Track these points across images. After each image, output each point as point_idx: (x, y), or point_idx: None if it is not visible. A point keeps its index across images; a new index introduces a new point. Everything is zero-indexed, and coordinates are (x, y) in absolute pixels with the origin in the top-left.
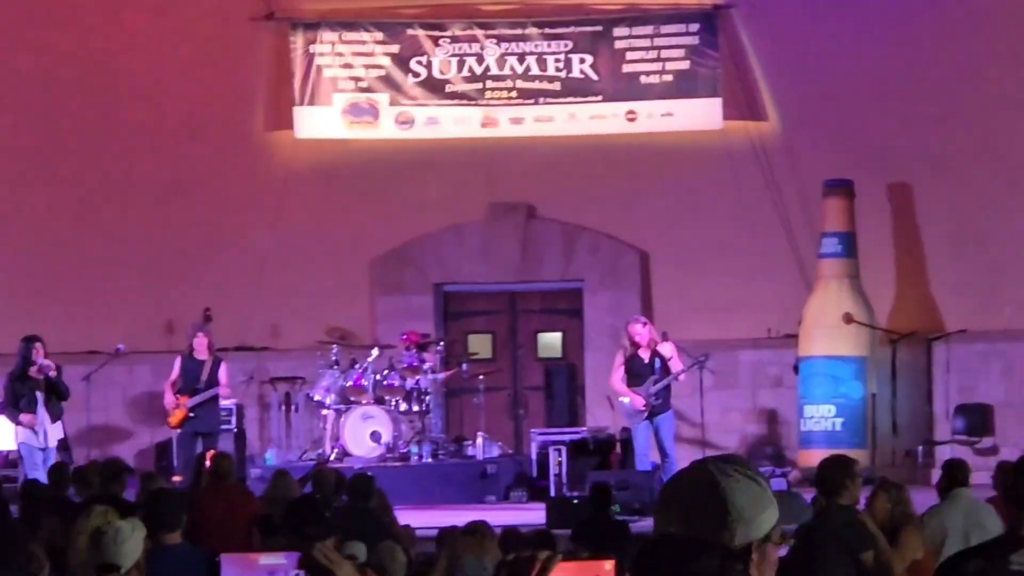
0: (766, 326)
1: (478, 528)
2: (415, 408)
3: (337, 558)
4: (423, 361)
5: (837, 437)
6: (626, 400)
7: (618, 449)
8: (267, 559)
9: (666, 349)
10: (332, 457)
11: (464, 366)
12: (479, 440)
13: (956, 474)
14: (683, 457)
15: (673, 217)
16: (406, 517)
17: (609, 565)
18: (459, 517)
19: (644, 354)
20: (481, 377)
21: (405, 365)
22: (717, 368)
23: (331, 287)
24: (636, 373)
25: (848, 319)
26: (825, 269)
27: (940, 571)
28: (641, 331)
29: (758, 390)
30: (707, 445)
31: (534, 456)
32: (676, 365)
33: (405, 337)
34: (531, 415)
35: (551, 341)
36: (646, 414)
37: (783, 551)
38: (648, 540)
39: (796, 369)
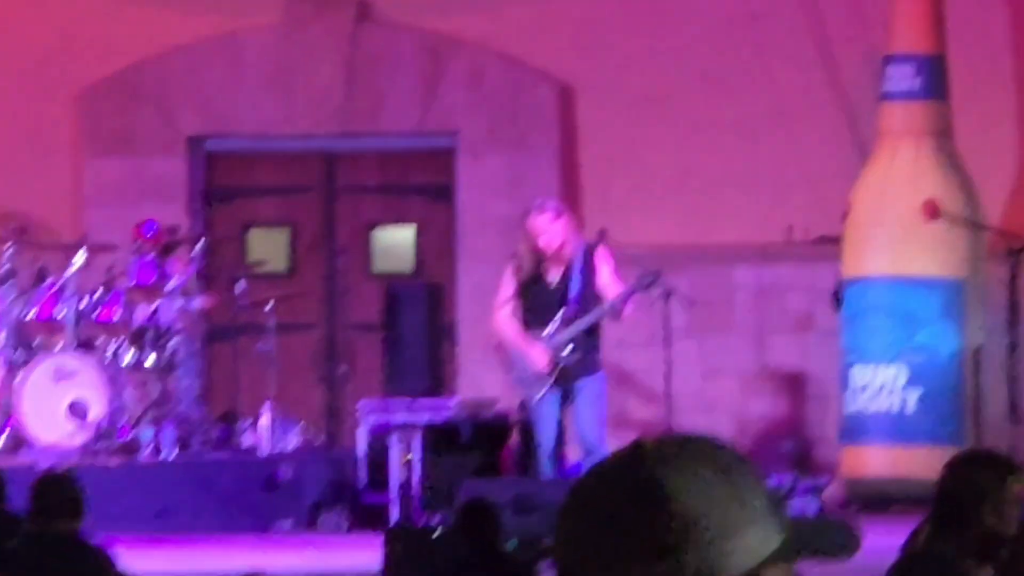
0: (784, 222)
1: None
2: (150, 359)
3: None
4: (166, 275)
5: (911, 424)
6: (519, 353)
7: (515, 439)
8: None
9: (602, 267)
10: None
11: (240, 284)
12: (264, 419)
13: None
14: None
15: (617, 25)
16: (129, 556)
17: None
18: (227, 560)
19: (554, 271)
20: (270, 305)
21: (134, 282)
22: (695, 296)
23: (2, 142)
24: (538, 305)
25: (932, 210)
26: (892, 120)
27: None
28: (549, 227)
29: (769, 337)
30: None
31: (363, 449)
32: (611, 290)
33: (142, 231)
34: (359, 375)
35: (397, 242)
36: (552, 378)
37: None
38: None
39: (837, 300)
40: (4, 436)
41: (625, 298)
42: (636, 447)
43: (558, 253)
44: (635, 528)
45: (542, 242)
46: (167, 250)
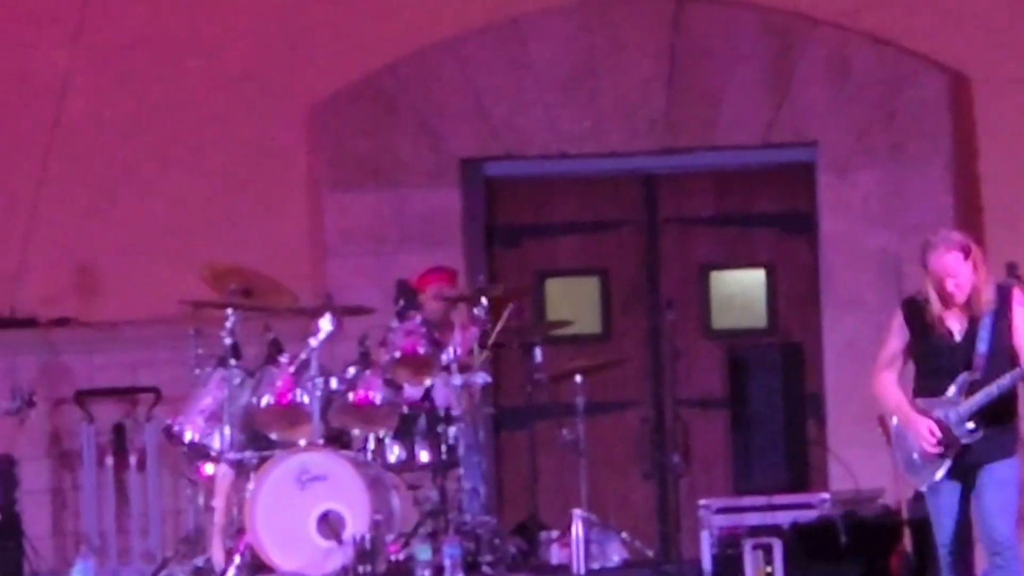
0: None
1: None
2: (423, 455)
3: None
4: (439, 344)
5: None
6: (905, 429)
7: (906, 542)
8: None
9: (1018, 315)
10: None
11: (537, 353)
12: (576, 527)
13: None
14: None
15: None
16: None
17: None
18: None
19: (956, 321)
20: (578, 379)
21: (399, 354)
22: None
23: (213, 174)
24: (934, 366)
25: None
26: None
27: None
28: (955, 265)
29: None
30: None
31: (708, 563)
32: None
33: (433, 279)
34: (698, 465)
35: (741, 289)
36: (947, 460)
37: None
38: None
39: None
40: (237, 561)
41: None
42: None
43: (968, 300)
44: None
45: (951, 286)
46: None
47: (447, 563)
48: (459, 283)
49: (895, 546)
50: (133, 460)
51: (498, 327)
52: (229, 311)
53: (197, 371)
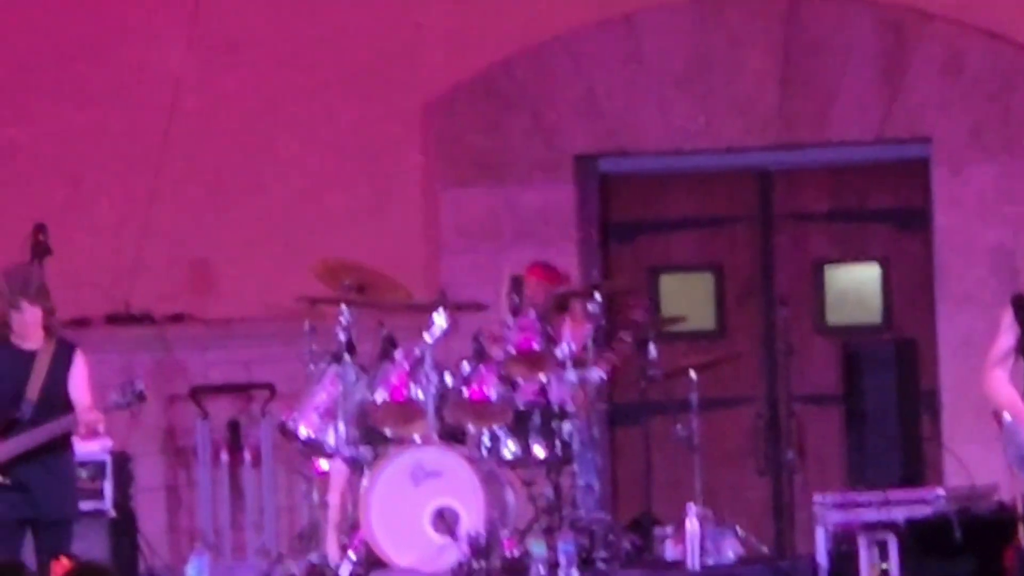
0: None
1: None
2: (539, 450)
3: None
4: (554, 340)
5: None
6: (1016, 426)
7: (1021, 539)
8: None
9: None
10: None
11: (651, 349)
12: (690, 524)
13: None
14: None
15: None
16: None
17: None
18: None
19: None
20: (692, 375)
21: (513, 350)
22: None
23: (327, 170)
24: None
25: None
26: None
27: None
28: None
29: None
30: None
31: (823, 558)
32: None
33: (538, 274)
34: (813, 461)
35: (856, 285)
36: None
37: None
38: None
39: None
40: (351, 558)
41: None
42: None
43: None
44: None
45: None
46: (558, 307)
47: (562, 559)
48: (560, 279)
49: (1009, 542)
50: (248, 456)
51: None
52: (343, 307)
53: (311, 367)
